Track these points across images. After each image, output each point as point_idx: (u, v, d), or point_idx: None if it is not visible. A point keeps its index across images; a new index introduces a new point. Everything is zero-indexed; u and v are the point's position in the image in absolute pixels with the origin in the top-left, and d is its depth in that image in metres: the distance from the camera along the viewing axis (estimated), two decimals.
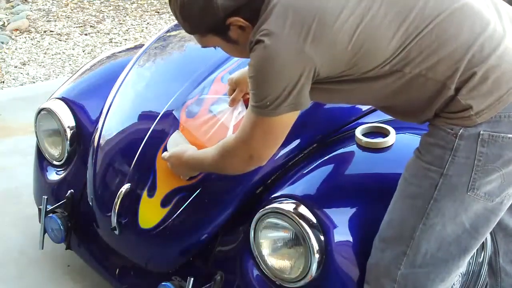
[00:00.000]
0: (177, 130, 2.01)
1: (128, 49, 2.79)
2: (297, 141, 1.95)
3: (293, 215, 1.70)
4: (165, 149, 1.98)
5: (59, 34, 5.38)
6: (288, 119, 1.52)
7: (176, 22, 2.70)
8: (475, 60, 1.44)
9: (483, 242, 1.96)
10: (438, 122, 1.52)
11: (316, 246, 1.67)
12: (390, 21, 1.44)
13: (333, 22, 1.41)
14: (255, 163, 1.65)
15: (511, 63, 1.46)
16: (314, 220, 1.69)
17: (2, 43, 5.12)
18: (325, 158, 1.87)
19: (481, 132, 1.47)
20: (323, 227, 1.69)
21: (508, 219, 1.81)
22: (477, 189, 1.51)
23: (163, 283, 1.89)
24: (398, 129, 1.89)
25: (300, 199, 1.74)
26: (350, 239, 1.71)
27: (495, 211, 1.57)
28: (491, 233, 1.86)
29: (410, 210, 1.58)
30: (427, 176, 1.54)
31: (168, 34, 2.59)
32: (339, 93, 1.56)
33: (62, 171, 2.39)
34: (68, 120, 2.34)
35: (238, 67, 2.12)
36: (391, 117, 1.93)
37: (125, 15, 5.82)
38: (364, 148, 1.86)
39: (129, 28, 5.53)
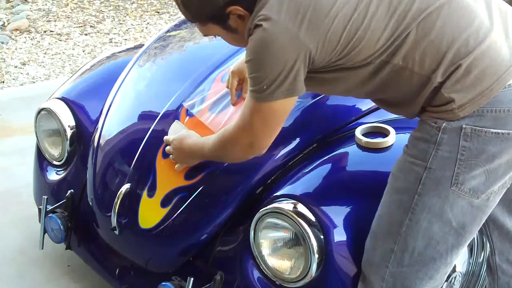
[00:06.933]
0: (176, 120, 2.02)
1: (128, 49, 2.79)
2: (297, 141, 1.95)
3: (293, 215, 1.70)
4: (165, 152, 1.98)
5: (59, 34, 5.38)
6: (285, 105, 1.55)
7: (176, 22, 2.73)
8: (460, 53, 1.46)
9: (483, 242, 1.96)
10: (424, 116, 1.54)
11: (316, 246, 1.67)
12: (382, 13, 1.47)
13: (328, 11, 1.45)
14: (255, 151, 1.67)
15: (494, 59, 1.47)
16: (314, 220, 1.70)
17: (2, 43, 5.12)
18: (325, 158, 1.87)
19: (464, 126, 1.48)
20: (323, 227, 1.70)
21: (503, 218, 1.81)
22: (461, 184, 1.51)
23: (163, 283, 1.89)
24: (398, 129, 1.89)
25: (300, 199, 1.74)
26: (350, 239, 1.71)
27: (482, 208, 1.57)
28: (487, 232, 1.86)
29: (396, 205, 1.58)
30: (412, 170, 1.55)
31: (168, 34, 2.59)
32: (331, 84, 1.58)
33: (62, 171, 2.39)
34: (68, 120, 2.34)
35: None
36: (390, 117, 1.94)
37: (125, 15, 5.82)
38: (364, 148, 1.86)
39: (129, 28, 5.53)
